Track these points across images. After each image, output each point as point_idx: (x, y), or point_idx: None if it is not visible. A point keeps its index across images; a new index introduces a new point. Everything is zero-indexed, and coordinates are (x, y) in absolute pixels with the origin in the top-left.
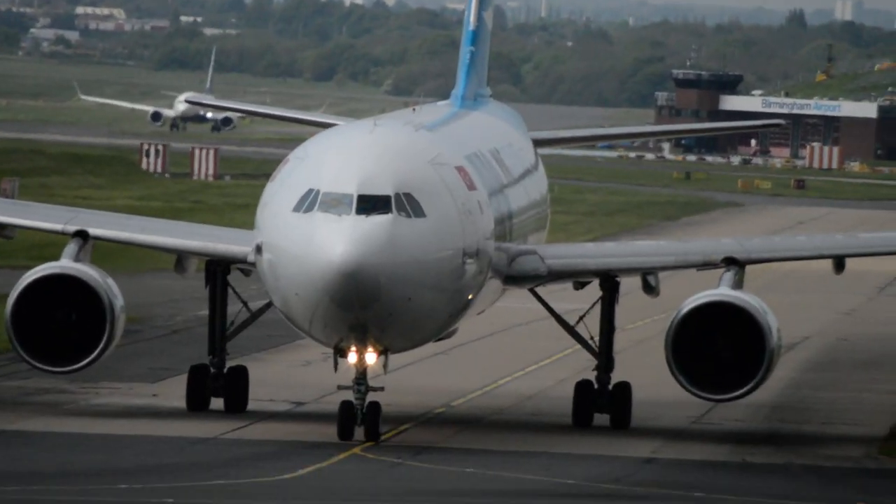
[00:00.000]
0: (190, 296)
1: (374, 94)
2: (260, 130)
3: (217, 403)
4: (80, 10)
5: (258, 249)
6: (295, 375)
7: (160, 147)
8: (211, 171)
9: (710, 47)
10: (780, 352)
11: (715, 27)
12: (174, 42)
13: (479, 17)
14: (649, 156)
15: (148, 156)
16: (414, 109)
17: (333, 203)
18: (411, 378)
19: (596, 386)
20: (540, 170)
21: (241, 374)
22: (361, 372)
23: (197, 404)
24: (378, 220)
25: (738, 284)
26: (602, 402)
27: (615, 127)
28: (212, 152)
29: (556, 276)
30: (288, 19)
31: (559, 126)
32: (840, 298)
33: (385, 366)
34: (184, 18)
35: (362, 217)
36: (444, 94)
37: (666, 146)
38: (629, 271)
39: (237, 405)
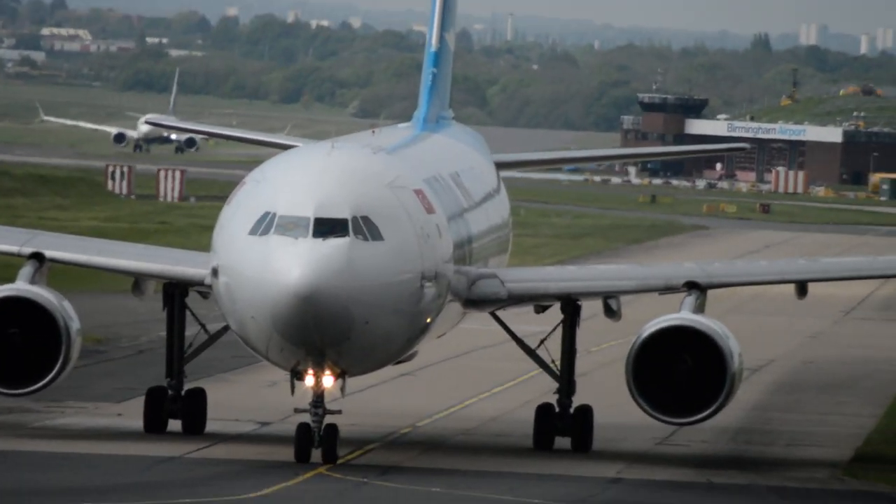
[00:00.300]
0: (155, 317)
1: (341, 116)
2: (224, 153)
3: (175, 426)
4: (45, 30)
5: (214, 272)
6: (260, 396)
7: (125, 169)
8: (177, 193)
9: (676, 71)
10: (741, 376)
11: (680, 51)
12: (140, 63)
13: (441, 39)
14: (615, 179)
15: (114, 178)
16: (374, 132)
17: (290, 226)
18: (376, 398)
19: (557, 409)
20: (502, 193)
21: (199, 396)
22: (319, 395)
23: (155, 426)
24: (335, 244)
25: (699, 309)
26: (563, 426)
27: (578, 150)
28: (178, 174)
29: (516, 299)
30: (254, 41)
31: (525, 149)
32: (805, 322)
33: (342, 389)
34: (150, 39)
35: (319, 240)
36: (410, 117)
37: (632, 170)
38: (590, 295)
39: (195, 427)
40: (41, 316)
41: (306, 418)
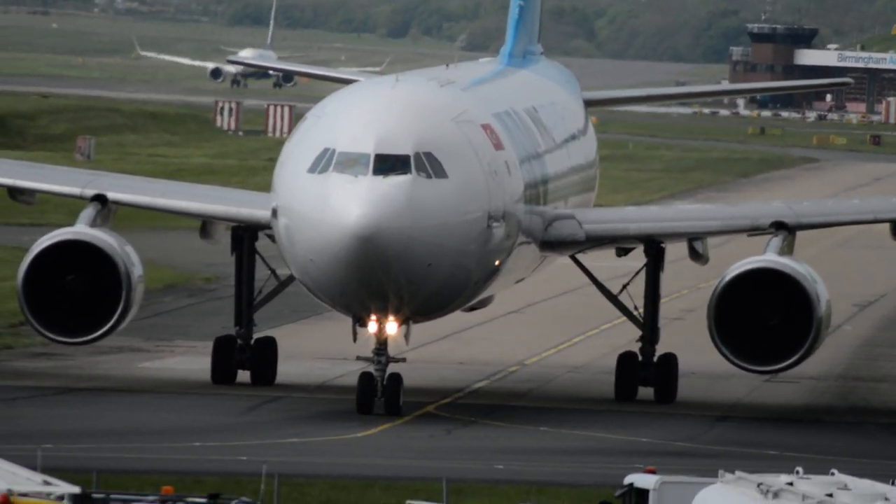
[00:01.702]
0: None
1: (448, 50)
2: (319, 88)
3: (245, 377)
4: None
5: (274, 213)
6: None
7: (234, 104)
8: (286, 128)
9: (785, 0)
10: (828, 323)
11: None
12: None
13: None
14: (724, 111)
15: (222, 114)
16: (447, 66)
17: (350, 163)
18: (487, 334)
19: (640, 358)
20: (589, 131)
21: (269, 345)
22: (382, 342)
23: (223, 377)
24: (396, 182)
25: (786, 250)
26: (646, 375)
27: (669, 87)
28: (286, 109)
29: (595, 241)
30: None
31: (633, 82)
32: None
33: (407, 336)
34: None
35: (380, 178)
36: None
37: (741, 102)
38: (671, 236)
39: (265, 378)
40: (101, 261)
41: (370, 367)
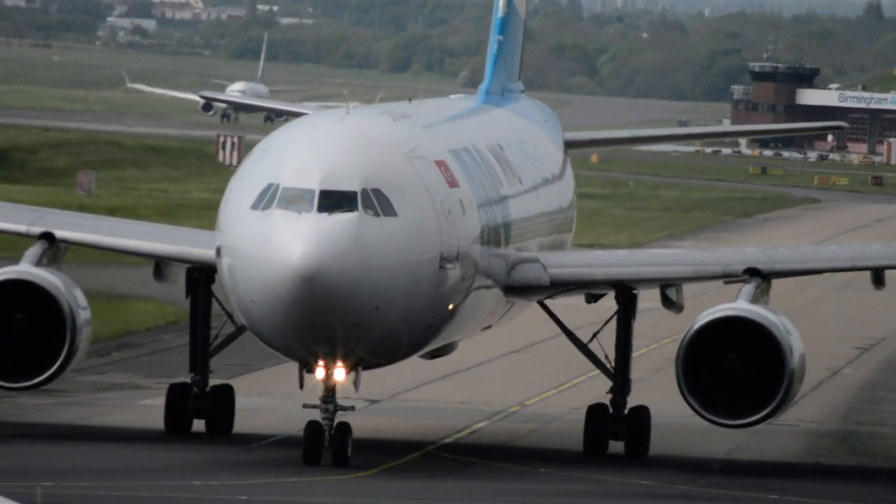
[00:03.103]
0: None
1: (450, 86)
2: None
3: (200, 426)
4: None
5: (217, 252)
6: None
7: (235, 139)
8: None
9: (787, 39)
10: (801, 376)
11: (792, 18)
12: (250, 32)
13: (509, 4)
14: (726, 150)
15: (224, 148)
16: (410, 101)
17: (294, 199)
18: (488, 374)
19: (610, 410)
20: (567, 172)
21: (225, 393)
22: (329, 389)
23: (177, 426)
24: (342, 219)
25: (759, 298)
26: (616, 429)
27: (661, 129)
28: None
29: (560, 286)
30: (364, 9)
31: (634, 119)
32: None
33: (356, 383)
34: (260, 7)
35: (324, 215)
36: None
37: (742, 141)
38: (639, 282)
39: (221, 427)
40: (45, 302)
41: (316, 416)
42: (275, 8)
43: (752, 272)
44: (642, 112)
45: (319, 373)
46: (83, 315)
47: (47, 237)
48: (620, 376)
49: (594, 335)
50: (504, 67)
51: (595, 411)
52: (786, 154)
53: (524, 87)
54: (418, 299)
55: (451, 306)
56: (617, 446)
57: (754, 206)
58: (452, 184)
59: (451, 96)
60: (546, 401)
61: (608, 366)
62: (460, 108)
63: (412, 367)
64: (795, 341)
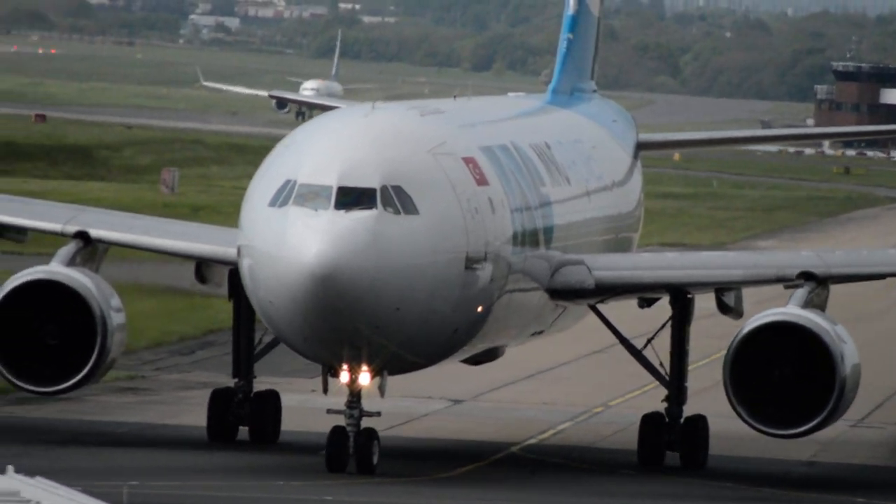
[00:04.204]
0: None
1: (532, 85)
2: None
3: (245, 433)
4: None
5: (238, 252)
6: (458, 370)
7: None
8: None
9: (871, 38)
10: (855, 385)
11: (875, 18)
12: (332, 30)
13: (580, 2)
14: (809, 150)
15: None
16: (455, 97)
17: (310, 196)
18: (571, 374)
19: (666, 419)
20: (633, 176)
21: (269, 399)
22: (354, 394)
23: (220, 433)
24: (359, 217)
25: (812, 303)
26: (672, 439)
27: (738, 131)
28: None
29: (606, 289)
30: (446, 7)
31: (717, 119)
32: None
33: (382, 388)
34: (342, 5)
35: (341, 213)
36: (602, 84)
37: (825, 141)
38: (689, 286)
39: (265, 435)
40: (76, 304)
41: (341, 421)
42: (357, 6)
43: (806, 276)
44: (725, 112)
45: (344, 377)
46: (116, 318)
47: (82, 236)
48: (676, 384)
49: (648, 341)
50: (574, 66)
51: (650, 420)
52: (869, 154)
53: (598, 87)
54: (442, 301)
55: (479, 309)
56: (674, 457)
57: (838, 206)
58: (481, 181)
59: (510, 94)
60: (630, 401)
61: (663, 373)
62: (510, 106)
63: (494, 368)
64: (849, 350)
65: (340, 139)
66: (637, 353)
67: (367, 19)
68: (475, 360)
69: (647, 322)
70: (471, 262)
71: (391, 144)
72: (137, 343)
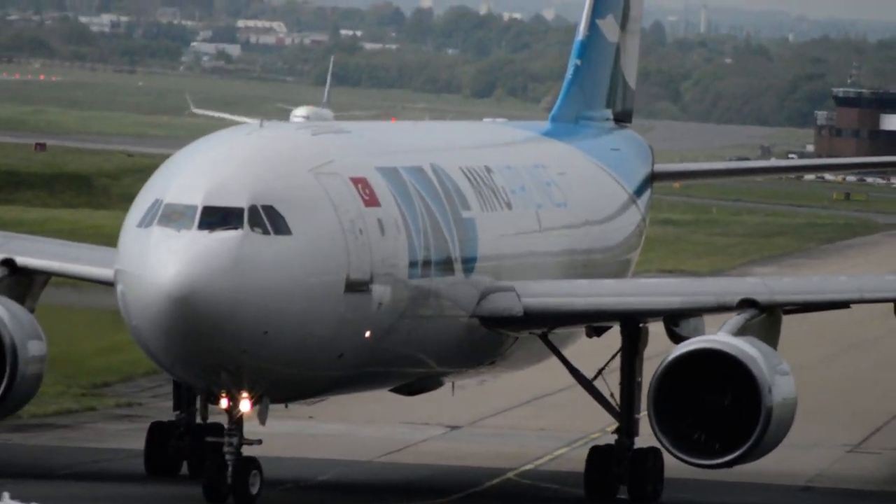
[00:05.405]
0: None
1: (533, 112)
2: None
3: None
4: (241, 23)
5: (114, 276)
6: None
7: None
8: None
9: (872, 64)
10: (785, 416)
11: (876, 43)
12: (333, 57)
13: (592, 26)
14: (809, 176)
15: None
16: (394, 119)
17: (175, 216)
18: (567, 401)
19: (615, 452)
20: (625, 210)
21: (210, 432)
22: (234, 421)
23: (159, 468)
24: (222, 238)
25: (749, 330)
26: (620, 471)
27: (750, 162)
28: None
29: (536, 317)
30: (447, 34)
31: (716, 145)
32: None
33: (263, 415)
34: (343, 32)
35: (204, 233)
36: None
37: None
38: (627, 314)
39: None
40: None
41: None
42: (358, 33)
43: (749, 303)
44: (726, 137)
45: (223, 402)
46: (32, 350)
47: (8, 264)
48: (626, 416)
49: (598, 372)
50: (580, 93)
51: (598, 453)
52: (869, 180)
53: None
54: (319, 325)
55: (367, 334)
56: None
57: (837, 233)
58: (371, 202)
59: (486, 119)
60: None
61: (613, 404)
62: (466, 131)
63: (491, 394)
64: (783, 382)
65: (216, 158)
66: (588, 384)
67: (368, 46)
68: (410, 391)
69: (608, 353)
70: (354, 285)
71: (268, 163)
72: (134, 371)
